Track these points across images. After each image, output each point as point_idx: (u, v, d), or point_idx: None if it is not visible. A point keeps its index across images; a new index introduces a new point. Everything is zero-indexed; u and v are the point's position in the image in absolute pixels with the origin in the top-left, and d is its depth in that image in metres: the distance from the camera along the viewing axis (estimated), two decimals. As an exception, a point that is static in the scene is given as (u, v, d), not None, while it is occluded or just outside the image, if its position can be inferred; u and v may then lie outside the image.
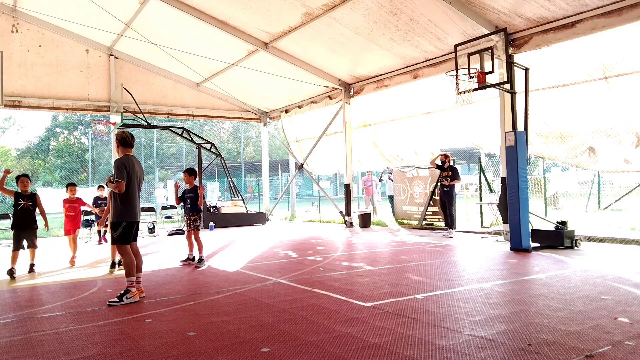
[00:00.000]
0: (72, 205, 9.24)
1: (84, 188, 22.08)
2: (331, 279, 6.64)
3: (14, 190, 7.95)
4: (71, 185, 9.44)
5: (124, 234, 5.74)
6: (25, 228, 7.89)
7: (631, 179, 16.30)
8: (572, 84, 9.68)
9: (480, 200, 13.21)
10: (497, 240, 10.39)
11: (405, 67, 12.99)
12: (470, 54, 9.26)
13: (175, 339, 4.15)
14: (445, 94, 12.03)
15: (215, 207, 17.47)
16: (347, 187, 15.61)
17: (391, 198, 16.27)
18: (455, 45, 9.68)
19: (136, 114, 15.90)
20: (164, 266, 8.39)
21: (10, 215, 14.26)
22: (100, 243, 12.77)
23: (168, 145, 42.34)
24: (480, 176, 13.34)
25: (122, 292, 5.62)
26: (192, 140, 17.31)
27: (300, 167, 18.74)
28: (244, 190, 35.22)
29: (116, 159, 5.91)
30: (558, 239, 8.90)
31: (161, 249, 11.05)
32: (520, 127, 9.53)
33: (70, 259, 9.01)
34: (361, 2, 10.40)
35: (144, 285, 6.40)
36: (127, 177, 5.69)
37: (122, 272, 7.11)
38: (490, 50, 9.24)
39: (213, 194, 32.46)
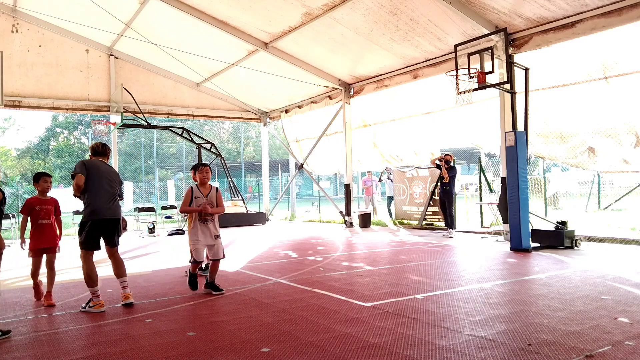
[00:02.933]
0: (46, 207, 5.81)
1: (84, 188, 22.01)
2: (331, 279, 6.64)
3: None
4: (44, 175, 5.88)
5: (87, 236, 5.28)
6: None
7: (631, 179, 16.31)
8: (572, 84, 9.68)
9: (480, 200, 13.21)
10: (497, 240, 10.39)
11: (405, 67, 12.99)
12: (470, 54, 9.27)
13: (175, 339, 4.15)
14: (445, 94, 12.03)
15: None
16: (347, 187, 15.62)
17: (390, 199, 16.27)
18: (455, 45, 9.68)
19: (136, 114, 15.90)
20: (164, 266, 8.39)
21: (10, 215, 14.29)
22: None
23: (168, 145, 42.35)
24: (480, 176, 13.35)
25: (88, 300, 5.37)
26: (192, 140, 17.31)
27: (300, 167, 18.74)
28: (244, 190, 35.22)
29: None
30: (558, 239, 8.90)
31: (161, 249, 11.05)
32: (520, 127, 9.53)
33: (44, 295, 5.69)
34: (361, 2, 10.40)
35: (144, 286, 6.41)
36: (87, 173, 5.32)
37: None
38: (490, 50, 9.24)
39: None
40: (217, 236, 5.87)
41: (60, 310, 5.38)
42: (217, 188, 6.10)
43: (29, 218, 5.74)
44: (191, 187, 5.94)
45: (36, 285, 5.91)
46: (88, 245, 5.32)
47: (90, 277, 5.29)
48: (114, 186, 5.57)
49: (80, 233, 5.37)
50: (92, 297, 5.28)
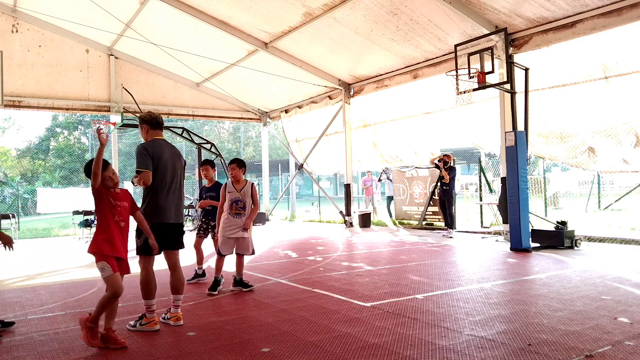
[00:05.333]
0: (121, 205, 4.09)
1: (84, 188, 22.05)
2: (331, 279, 6.64)
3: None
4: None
5: (147, 241, 4.39)
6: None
7: (631, 179, 16.33)
8: (572, 84, 9.69)
9: (480, 200, 13.21)
10: (497, 240, 10.39)
11: (405, 67, 13.00)
12: (470, 54, 9.27)
13: (175, 339, 4.14)
14: (445, 94, 12.03)
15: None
16: (347, 187, 15.62)
17: (390, 199, 16.26)
18: (455, 45, 9.69)
19: (136, 114, 15.89)
20: (164, 266, 8.37)
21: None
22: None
23: (168, 145, 42.29)
24: (480, 176, 13.35)
25: (140, 315, 4.57)
26: (192, 140, 17.30)
27: (300, 167, 18.74)
28: (244, 190, 35.14)
29: (139, 144, 4.59)
30: (558, 239, 8.90)
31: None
32: (520, 127, 9.53)
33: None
34: (361, 2, 10.40)
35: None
36: (153, 166, 4.44)
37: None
38: (490, 50, 9.24)
39: (213, 194, 32.34)
40: (245, 230, 5.86)
41: (61, 310, 5.37)
42: (252, 183, 6.08)
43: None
44: (225, 183, 6.02)
45: (110, 331, 3.95)
46: (147, 250, 4.42)
47: (149, 287, 4.46)
48: (180, 176, 4.74)
49: (138, 236, 4.45)
50: (146, 312, 4.45)
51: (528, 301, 5.09)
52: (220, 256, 5.96)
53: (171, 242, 4.64)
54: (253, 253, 6.07)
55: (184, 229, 4.84)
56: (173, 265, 4.70)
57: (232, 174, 5.99)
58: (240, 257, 6.03)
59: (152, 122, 4.70)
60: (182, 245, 4.76)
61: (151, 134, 4.71)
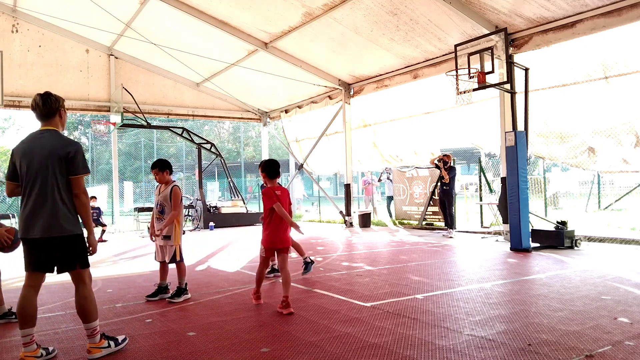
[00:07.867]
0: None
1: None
2: (331, 279, 6.64)
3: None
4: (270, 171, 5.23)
5: (24, 254, 3.68)
6: None
7: (631, 179, 16.33)
8: (572, 84, 9.69)
9: (480, 200, 13.21)
10: (497, 240, 10.39)
11: (405, 67, 13.00)
12: (470, 54, 9.27)
13: (175, 339, 4.14)
14: (445, 94, 12.03)
15: (215, 207, 17.48)
16: (347, 187, 15.61)
17: (390, 199, 16.26)
18: (455, 45, 9.69)
19: (136, 114, 15.90)
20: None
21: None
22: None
23: (168, 145, 42.32)
24: (480, 176, 13.35)
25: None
26: (192, 140, 17.32)
27: (300, 167, 18.74)
28: (244, 190, 35.21)
29: None
30: (558, 239, 8.90)
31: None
32: (520, 127, 9.53)
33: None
34: (361, 2, 10.40)
35: (144, 286, 6.34)
36: (19, 170, 3.58)
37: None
38: (490, 50, 9.24)
39: (213, 194, 32.44)
40: (166, 237, 5.66)
41: (61, 310, 5.37)
42: (174, 186, 5.63)
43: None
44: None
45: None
46: (25, 265, 3.67)
47: (21, 314, 3.57)
48: (48, 175, 3.51)
49: None
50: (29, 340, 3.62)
51: (528, 301, 5.09)
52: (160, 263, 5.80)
53: (38, 262, 3.62)
54: (175, 261, 5.66)
55: (69, 244, 3.63)
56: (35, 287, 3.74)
57: (155, 179, 5.75)
58: (162, 264, 5.80)
59: (32, 108, 3.67)
60: (51, 269, 3.65)
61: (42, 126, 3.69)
